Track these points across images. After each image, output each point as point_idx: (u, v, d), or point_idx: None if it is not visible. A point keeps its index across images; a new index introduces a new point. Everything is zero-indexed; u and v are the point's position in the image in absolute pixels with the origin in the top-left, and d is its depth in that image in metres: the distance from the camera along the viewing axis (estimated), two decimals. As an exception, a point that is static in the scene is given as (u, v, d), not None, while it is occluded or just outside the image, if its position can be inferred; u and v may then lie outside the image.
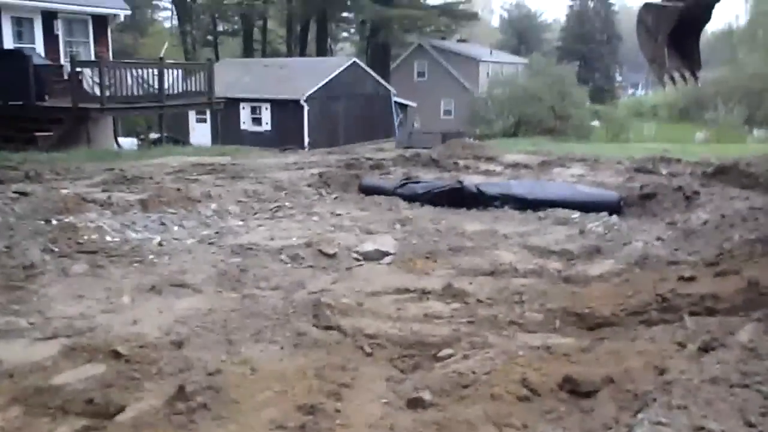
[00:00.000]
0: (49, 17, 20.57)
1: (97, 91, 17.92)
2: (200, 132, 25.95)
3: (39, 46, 20.16)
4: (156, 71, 19.31)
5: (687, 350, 4.99)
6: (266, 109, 31.43)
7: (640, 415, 4.19)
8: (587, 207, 11.02)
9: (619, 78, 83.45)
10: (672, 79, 8.38)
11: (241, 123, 30.63)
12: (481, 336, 5.89)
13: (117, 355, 5.37)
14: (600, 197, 11.46)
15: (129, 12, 23.70)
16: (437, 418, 4.55)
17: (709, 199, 10.18)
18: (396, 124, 34.40)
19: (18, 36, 20.00)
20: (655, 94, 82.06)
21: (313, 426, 4.38)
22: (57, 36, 20.89)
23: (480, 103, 47.83)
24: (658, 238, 9.01)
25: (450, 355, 5.50)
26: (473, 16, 56.88)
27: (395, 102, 39.20)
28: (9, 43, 19.43)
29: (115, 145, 19.36)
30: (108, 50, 22.01)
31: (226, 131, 26.57)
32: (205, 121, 28.71)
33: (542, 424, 4.50)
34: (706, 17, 8.32)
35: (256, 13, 52.95)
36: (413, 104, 43.30)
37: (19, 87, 18.06)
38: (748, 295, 5.74)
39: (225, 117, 27.38)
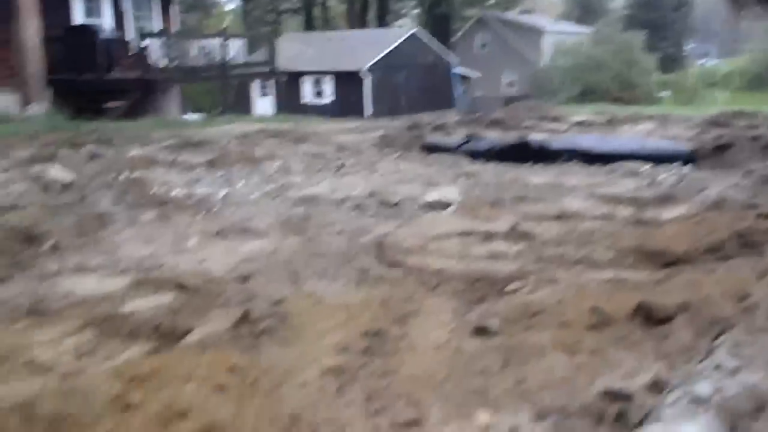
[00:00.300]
0: (116, -7, 21.02)
1: (163, 63, 18.27)
2: (262, 106, 26.18)
3: (107, 21, 20.62)
4: (219, 42, 19.58)
5: (769, 277, 4.74)
6: (328, 81, 31.52)
7: (720, 339, 4.00)
8: (657, 159, 10.63)
9: (690, 47, 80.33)
10: (748, 15, 7.99)
11: (303, 96, 30.82)
12: (549, 272, 5.73)
13: (183, 287, 5.43)
14: (671, 149, 11.05)
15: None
16: (504, 343, 4.44)
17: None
18: (457, 94, 34.05)
19: (87, 12, 20.49)
20: (727, 63, 78.75)
21: (377, 348, 4.34)
22: (124, 12, 21.32)
23: (543, 74, 46.85)
24: (735, 185, 8.63)
25: (517, 289, 5.37)
26: (536, -16, 55.51)
27: (456, 73, 38.76)
28: (79, 19, 19.94)
29: (182, 116, 19.77)
30: (173, 26, 22.36)
31: (288, 105, 26.75)
32: (267, 95, 28.91)
33: (614, 349, 4.34)
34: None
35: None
36: (475, 75, 42.75)
37: (89, 61, 18.53)
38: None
39: (287, 90, 27.54)
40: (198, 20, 57.67)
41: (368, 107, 27.85)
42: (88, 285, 5.58)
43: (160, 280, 5.61)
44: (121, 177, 9.14)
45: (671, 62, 63.37)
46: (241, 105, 24.39)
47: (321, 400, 3.81)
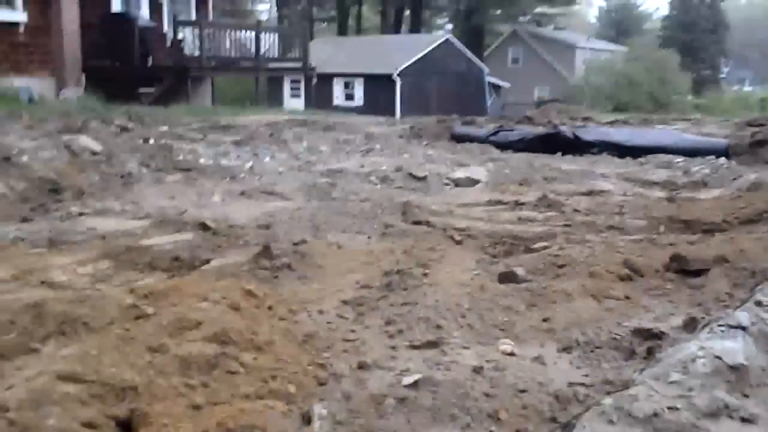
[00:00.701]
0: (153, -15, 21.23)
1: (197, 52, 18.41)
2: (294, 105, 26.26)
3: (144, 11, 20.83)
4: (253, 34, 19.69)
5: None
6: (359, 84, 31.57)
7: (759, 287, 3.80)
8: (692, 153, 10.36)
9: (725, 70, 79.36)
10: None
11: (334, 98, 30.90)
12: (578, 235, 5.55)
13: (205, 227, 5.36)
14: (706, 144, 10.78)
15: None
16: (531, 287, 4.28)
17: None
18: (489, 102, 33.94)
19: (125, 1, 20.70)
20: (764, 89, 77.71)
21: (399, 284, 4.20)
22: (161, 4, 21.50)
23: (575, 90, 46.45)
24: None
25: (545, 247, 5.20)
26: (570, 0, 55.28)
27: (489, 82, 38.61)
28: (117, 8, 20.17)
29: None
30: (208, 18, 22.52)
31: (319, 106, 26.77)
32: (298, 96, 29.01)
33: (646, 297, 4.16)
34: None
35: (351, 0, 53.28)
36: (507, 85, 42.54)
37: (125, 48, 18.68)
38: None
39: (317, 92, 27.57)
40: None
41: (398, 111, 27.78)
42: (109, 224, 5.53)
43: (182, 222, 5.55)
44: (150, 140, 9.09)
45: (706, 85, 62.61)
46: (272, 104, 24.45)
47: (339, 324, 3.69)
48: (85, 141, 9.73)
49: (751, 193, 6.69)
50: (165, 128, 11.91)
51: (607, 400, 2.33)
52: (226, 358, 3.05)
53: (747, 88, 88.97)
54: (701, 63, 67.71)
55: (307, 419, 2.66)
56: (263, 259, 4.47)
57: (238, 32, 19.71)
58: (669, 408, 2.28)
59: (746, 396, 2.44)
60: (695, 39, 66.21)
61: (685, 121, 14.23)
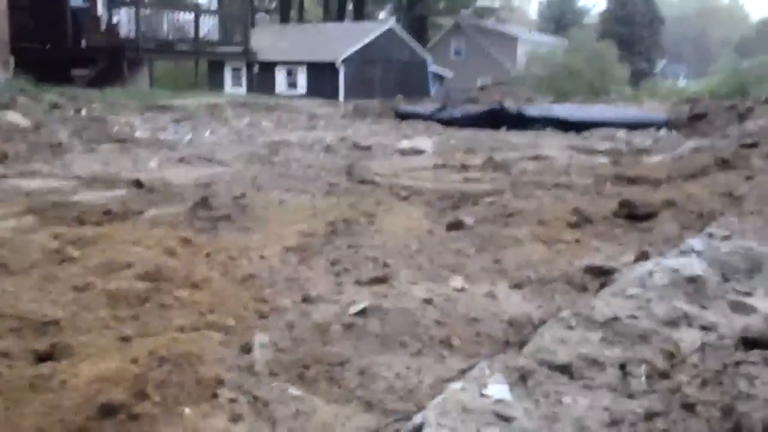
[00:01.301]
0: (87, -34, 20.47)
1: (133, 34, 17.81)
2: (235, 92, 25.74)
3: (77, -7, 20.09)
4: (192, 16, 19.16)
5: (758, 177, 4.54)
6: (302, 72, 31.12)
7: (708, 228, 3.75)
8: (633, 127, 10.47)
9: (661, 64, 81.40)
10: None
11: (277, 86, 30.39)
12: (526, 191, 5.47)
13: (139, 184, 5.08)
14: (647, 118, 10.92)
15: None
16: (480, 233, 4.16)
17: (765, 113, 9.56)
18: (432, 90, 33.97)
19: (56, -17, 19.91)
20: (697, 83, 79.96)
21: (344, 231, 4.03)
22: (95, -14, 20.78)
23: (517, 81, 46.94)
24: (711, 143, 8.47)
25: (493, 201, 5.10)
26: (512, -8, 55.81)
27: (432, 72, 38.64)
28: (47, -11, 19.39)
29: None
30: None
31: (262, 94, 26.31)
32: (240, 83, 28.46)
33: (595, 241, 4.09)
34: None
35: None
36: (450, 75, 42.66)
37: (56, 30, 17.99)
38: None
39: (260, 80, 27.15)
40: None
41: (342, 98, 27.52)
42: (35, 184, 5.20)
43: (115, 180, 5.26)
44: (83, 111, 8.70)
45: (642, 77, 64.10)
46: (213, 89, 23.90)
47: (281, 267, 3.49)
48: (11, 116, 9.26)
49: (692, 156, 6.73)
50: (99, 105, 11.47)
51: (566, 311, 2.22)
52: (159, 293, 2.84)
53: (681, 82, 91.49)
54: (638, 56, 69.26)
55: (247, 348, 2.48)
56: (201, 210, 4.25)
57: (176, 14, 19.12)
58: (628, 316, 2.17)
59: (704, 307, 2.36)
60: (632, 33, 67.67)
61: (625, 101, 14.43)
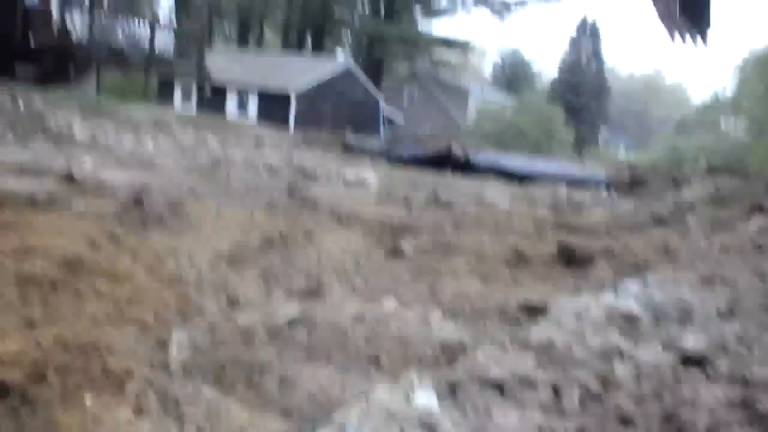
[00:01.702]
0: (45, -34, 20.05)
1: (85, 40, 17.43)
2: (184, 111, 25.40)
3: (32, -8, 19.59)
4: (148, 29, 18.89)
5: (693, 236, 4.62)
6: (253, 98, 30.98)
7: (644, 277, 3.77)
8: (575, 184, 10.67)
9: (605, 134, 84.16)
10: (681, 35, 8.13)
11: (227, 109, 30.13)
12: (467, 228, 5.46)
13: (70, 179, 4.86)
14: (588, 176, 11.18)
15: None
16: (417, 262, 4.10)
17: (701, 183, 9.89)
18: (382, 132, 34.24)
19: (11, -21, 19.40)
20: (638, 154, 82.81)
21: (279, 245, 3.91)
22: (52, -13, 20.34)
23: (466, 134, 47.77)
24: (648, 205, 8.68)
25: (434, 234, 5.05)
26: (468, 47, 57.06)
27: (384, 114, 39.00)
28: (1, -17, 18.87)
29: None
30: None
31: (211, 115, 26.02)
32: (189, 102, 28.13)
33: (532, 281, 4.07)
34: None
35: (253, 16, 52.70)
36: (400, 120, 43.16)
37: (6, 26, 17.48)
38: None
39: (211, 102, 26.84)
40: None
41: (292, 130, 27.40)
42: (-43, 166, 4.91)
43: (43, 171, 5.02)
44: (20, 103, 8.37)
45: (585, 144, 66.17)
46: (161, 105, 23.52)
47: (209, 271, 3.34)
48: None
49: (629, 213, 6.86)
50: (39, 102, 11.10)
51: (500, 333, 2.15)
52: (75, 280, 2.66)
53: (622, 152, 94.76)
54: (583, 123, 71.64)
55: (163, 345, 2.32)
56: (132, 209, 4.06)
57: (132, 25, 18.85)
58: (563, 344, 2.12)
59: (637, 344, 2.33)
60: (579, 100, 70.14)
61: (568, 161, 14.77)
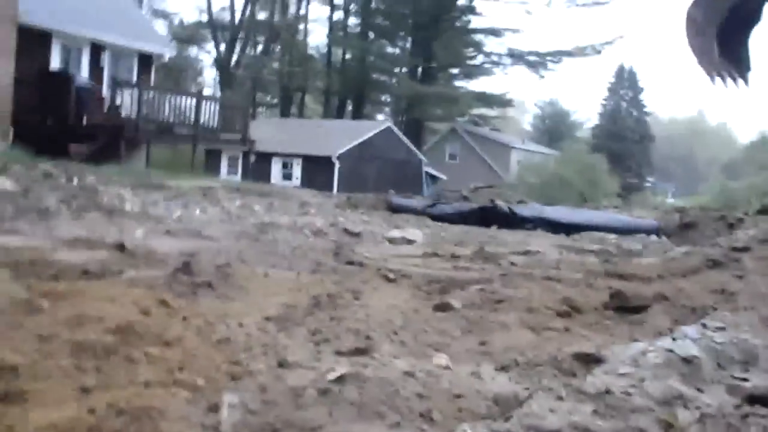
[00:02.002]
0: (96, 50, 21.00)
1: (134, 116, 18.08)
2: (231, 181, 26.01)
3: (84, 71, 20.50)
4: (193, 102, 19.51)
5: (750, 277, 4.47)
6: (297, 164, 31.57)
7: (702, 321, 3.66)
8: (625, 231, 10.51)
9: (650, 180, 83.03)
10: (721, 77, 8.06)
11: (272, 176, 30.73)
12: (516, 281, 5.39)
13: (122, 248, 4.97)
14: (638, 224, 10.98)
15: (174, 53, 24.04)
16: (467, 316, 4.05)
17: (755, 224, 9.63)
18: (426, 191, 34.41)
19: (64, 64, 20.36)
20: (685, 200, 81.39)
21: (328, 304, 3.91)
22: (102, 68, 21.26)
23: (510, 187, 47.71)
24: (701, 249, 8.46)
25: (483, 288, 4.99)
26: (507, 102, 57.51)
27: (427, 172, 39.28)
28: (55, 65, 19.78)
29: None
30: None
31: (257, 183, 26.56)
32: (236, 171, 28.79)
33: (585, 331, 3.98)
34: (758, 16, 8.10)
35: (294, 86, 54.12)
36: (444, 177, 43.35)
37: (60, 106, 18.27)
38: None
39: (256, 169, 27.38)
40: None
41: (336, 191, 27.86)
42: (15, 241, 5.08)
43: (98, 243, 5.15)
44: (74, 180, 8.67)
45: (632, 191, 65.34)
46: (208, 175, 24.11)
47: (259, 334, 3.35)
48: (2, 182, 9.22)
49: (683, 256, 6.69)
50: (92, 178, 11.47)
51: (554, 383, 2.09)
52: (127, 346, 2.69)
53: (669, 200, 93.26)
54: (628, 171, 70.83)
55: (214, 408, 2.32)
56: (182, 275, 4.13)
57: (178, 98, 19.49)
58: (621, 392, 2.05)
59: (700, 390, 2.24)
60: (622, 148, 69.57)
61: (615, 207, 14.58)
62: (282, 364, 2.80)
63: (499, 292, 4.71)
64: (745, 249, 5.98)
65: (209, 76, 63.95)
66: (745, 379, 2.37)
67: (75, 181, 8.90)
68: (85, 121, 18.56)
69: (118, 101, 18.72)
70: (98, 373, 2.47)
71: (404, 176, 34.36)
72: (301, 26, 53.71)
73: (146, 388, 2.38)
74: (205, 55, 56.61)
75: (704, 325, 3.23)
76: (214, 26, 51.17)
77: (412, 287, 4.91)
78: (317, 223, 8.85)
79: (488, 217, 11.37)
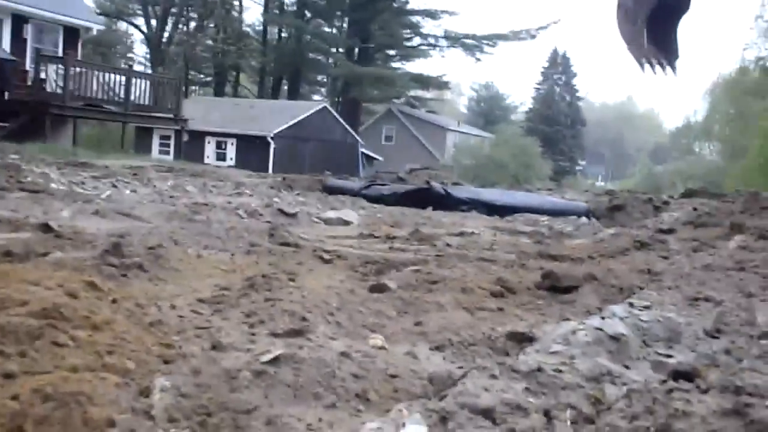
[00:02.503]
0: (18, 21, 20.11)
1: (60, 91, 17.39)
2: (163, 161, 25.39)
3: (5, 44, 19.61)
4: (123, 78, 18.89)
5: (675, 258, 4.64)
6: (231, 144, 31.09)
7: (629, 299, 3.78)
8: (556, 214, 10.74)
9: (582, 164, 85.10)
10: (650, 64, 8.27)
11: (206, 157, 30.15)
12: (450, 262, 5.45)
13: (47, 228, 4.80)
14: (569, 206, 11.24)
15: (102, 27, 23.20)
16: (402, 297, 4.07)
17: (680, 206, 9.99)
18: (361, 172, 34.38)
19: (-17, 35, 19.47)
20: (615, 184, 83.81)
21: (262, 286, 3.87)
22: (25, 40, 20.38)
23: (445, 169, 48.16)
24: (629, 231, 8.73)
25: (418, 269, 5.03)
26: (444, 85, 57.86)
27: (362, 153, 39.26)
28: (-27, 39, 18.92)
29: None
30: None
31: (190, 162, 26.02)
32: (168, 151, 28.12)
33: (518, 311, 4.05)
34: (686, 5, 8.31)
35: (229, 64, 53.13)
36: (380, 158, 43.45)
37: (-21, 80, 17.47)
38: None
39: (189, 149, 26.85)
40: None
41: (271, 172, 27.46)
42: (-69, 222, 4.84)
43: (20, 223, 4.96)
44: (-7, 161, 8.31)
45: (564, 174, 66.94)
46: (139, 154, 23.51)
47: (192, 316, 3.30)
48: None
49: (610, 239, 6.89)
50: (15, 156, 11.05)
51: (489, 362, 2.13)
52: (53, 330, 2.60)
53: (599, 183, 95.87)
54: (560, 155, 72.45)
55: (146, 392, 2.27)
56: (111, 257, 4.01)
57: (107, 74, 18.88)
58: (553, 369, 2.10)
59: (627, 367, 2.32)
60: (555, 132, 71.08)
61: (548, 190, 14.87)
62: (216, 347, 2.76)
63: (434, 273, 4.76)
64: (670, 231, 6.19)
65: (140, 52, 62.11)
66: (669, 356, 2.46)
67: (-4, 159, 8.52)
68: (6, 96, 17.83)
69: (42, 76, 17.99)
70: (22, 357, 2.38)
71: (340, 157, 34.25)
72: (236, 2, 52.63)
73: (74, 373, 2.31)
74: (136, 31, 54.83)
75: (631, 304, 3.34)
76: (145, 0, 49.67)
77: (347, 268, 4.91)
78: (252, 204, 8.74)
79: (424, 198, 11.45)
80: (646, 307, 3.29)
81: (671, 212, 9.71)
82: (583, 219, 10.01)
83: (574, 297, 4.21)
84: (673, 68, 8.62)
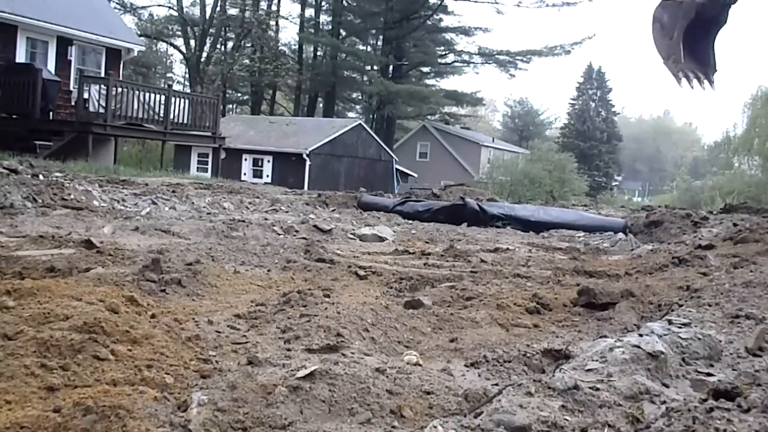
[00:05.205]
0: (63, 43, 20.63)
1: (102, 110, 17.77)
2: (201, 176, 25.75)
3: (51, 64, 20.14)
4: (163, 98, 19.25)
5: (713, 274, 4.55)
6: (268, 161, 31.39)
7: (668, 316, 3.72)
8: (592, 230, 10.62)
9: (618, 179, 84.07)
10: (687, 78, 8.18)
11: (242, 174, 30.50)
12: (486, 278, 5.42)
13: (90, 245, 4.90)
14: (606, 221, 11.10)
15: (143, 48, 23.69)
16: (437, 313, 4.07)
17: (719, 222, 9.80)
18: (396, 188, 34.43)
19: (30, 57, 19.98)
20: (652, 199, 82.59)
21: (299, 301, 3.89)
22: (70, 62, 20.89)
23: (480, 185, 47.97)
24: (667, 248, 8.60)
25: (453, 285, 5.02)
26: (478, 101, 57.77)
27: (397, 169, 39.30)
28: (21, 58, 19.40)
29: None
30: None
31: (227, 180, 26.34)
32: (206, 168, 28.50)
33: (554, 328, 4.02)
34: (723, 18, 8.21)
35: (265, 83, 53.75)
36: (414, 174, 43.44)
37: (26, 101, 17.91)
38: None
39: (226, 166, 27.21)
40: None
41: (306, 188, 27.67)
42: (-22, 238, 4.97)
43: (64, 240, 5.06)
44: (40, 175, 8.52)
45: (600, 190, 66.16)
46: (178, 172, 23.88)
47: (229, 332, 3.33)
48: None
49: (648, 255, 6.79)
50: (59, 174, 11.30)
51: (524, 379, 2.11)
52: (94, 344, 2.66)
53: (636, 199, 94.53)
54: (596, 170, 71.68)
55: (183, 406, 2.30)
56: (150, 273, 4.07)
57: (147, 94, 19.24)
58: (590, 387, 2.08)
59: (666, 385, 2.28)
60: (591, 147, 70.39)
61: (584, 206, 14.72)
62: (252, 362, 2.78)
63: (469, 289, 4.74)
64: (709, 247, 6.09)
65: (179, 72, 63.25)
66: (709, 374, 2.42)
67: (41, 177, 8.73)
68: (51, 116, 18.28)
69: (85, 96, 18.39)
70: (64, 371, 2.44)
71: (375, 173, 34.35)
72: (273, 22, 53.31)
73: (114, 387, 2.35)
74: (175, 51, 55.89)
75: (670, 321, 3.29)
76: (184, 21, 50.62)
77: (382, 284, 4.92)
78: (288, 221, 8.81)
79: (458, 214, 11.42)
80: (686, 324, 3.23)
81: (710, 228, 9.53)
82: (620, 235, 9.87)
83: (610, 314, 4.16)
84: (711, 82, 8.50)
